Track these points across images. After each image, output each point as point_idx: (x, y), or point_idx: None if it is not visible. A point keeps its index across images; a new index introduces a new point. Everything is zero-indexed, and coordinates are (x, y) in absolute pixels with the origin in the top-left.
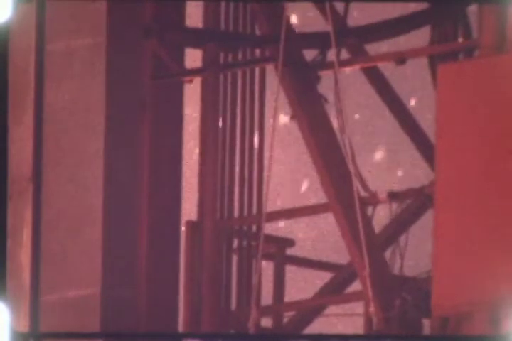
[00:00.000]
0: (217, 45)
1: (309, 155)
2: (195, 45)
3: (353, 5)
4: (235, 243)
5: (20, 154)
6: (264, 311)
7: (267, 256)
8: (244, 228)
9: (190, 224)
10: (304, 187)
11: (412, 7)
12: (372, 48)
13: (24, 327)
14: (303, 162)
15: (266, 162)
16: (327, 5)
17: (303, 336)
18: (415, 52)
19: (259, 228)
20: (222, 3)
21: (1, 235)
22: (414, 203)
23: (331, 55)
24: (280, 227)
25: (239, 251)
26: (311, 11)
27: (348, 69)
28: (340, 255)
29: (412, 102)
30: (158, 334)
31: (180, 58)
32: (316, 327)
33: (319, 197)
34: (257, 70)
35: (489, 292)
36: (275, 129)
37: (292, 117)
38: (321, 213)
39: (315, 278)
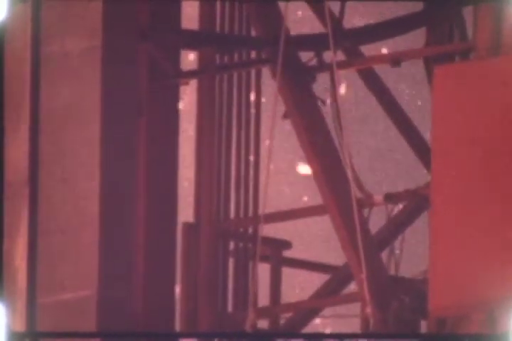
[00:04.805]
0: (213, 47)
1: (305, 156)
2: (191, 48)
3: (349, 6)
4: (232, 245)
5: (17, 156)
6: (260, 313)
7: (264, 258)
8: (241, 230)
9: (187, 226)
10: (299, 188)
11: (408, 8)
12: (369, 50)
13: (20, 326)
14: (299, 163)
15: (263, 164)
16: (325, 6)
17: (297, 335)
18: (411, 54)
19: (256, 230)
20: (218, 5)
21: None
22: (410, 205)
23: (326, 57)
24: (276, 229)
25: (235, 253)
26: (302, 12)
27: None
28: (337, 257)
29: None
30: (154, 334)
31: (176, 60)
32: (312, 328)
33: (316, 199)
34: (252, 72)
35: (486, 293)
36: (273, 131)
37: (285, 116)
38: (317, 215)
39: (311, 279)
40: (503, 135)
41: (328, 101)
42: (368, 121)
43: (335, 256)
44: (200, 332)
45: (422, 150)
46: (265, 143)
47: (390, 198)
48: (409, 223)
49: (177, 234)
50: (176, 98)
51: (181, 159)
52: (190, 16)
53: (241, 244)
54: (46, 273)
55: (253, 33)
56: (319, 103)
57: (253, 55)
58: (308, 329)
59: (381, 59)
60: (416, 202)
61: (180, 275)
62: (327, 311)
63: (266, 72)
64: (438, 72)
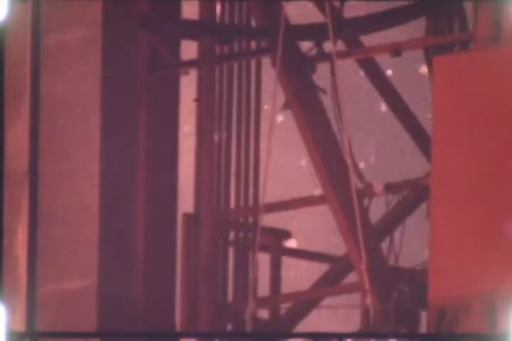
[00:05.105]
0: (213, 37)
1: (305, 146)
2: (191, 37)
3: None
4: (232, 235)
5: (17, 148)
6: (260, 303)
7: (264, 248)
8: (241, 220)
9: (187, 217)
10: (299, 178)
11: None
12: (369, 40)
13: (20, 324)
14: (299, 153)
15: (263, 154)
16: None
17: (297, 334)
18: (411, 44)
19: (256, 220)
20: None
21: None
22: (410, 195)
23: (326, 46)
24: (276, 219)
25: (235, 243)
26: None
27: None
28: (337, 247)
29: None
30: (154, 334)
31: (176, 50)
32: (312, 318)
33: (316, 189)
34: (252, 62)
35: (486, 284)
36: (273, 121)
37: (284, 107)
38: (317, 205)
39: (311, 269)
40: (503, 124)
41: (329, 90)
42: (368, 111)
43: (335, 246)
44: (200, 332)
45: (422, 140)
46: (265, 133)
47: (390, 188)
48: (410, 213)
49: (177, 225)
50: (175, 88)
51: (181, 150)
52: (190, 7)
53: (241, 234)
54: (46, 264)
55: (253, 23)
56: (319, 93)
57: (253, 45)
58: (308, 319)
59: (381, 49)
60: (416, 192)
61: (180, 265)
62: (327, 301)
63: (266, 62)
64: (438, 62)
